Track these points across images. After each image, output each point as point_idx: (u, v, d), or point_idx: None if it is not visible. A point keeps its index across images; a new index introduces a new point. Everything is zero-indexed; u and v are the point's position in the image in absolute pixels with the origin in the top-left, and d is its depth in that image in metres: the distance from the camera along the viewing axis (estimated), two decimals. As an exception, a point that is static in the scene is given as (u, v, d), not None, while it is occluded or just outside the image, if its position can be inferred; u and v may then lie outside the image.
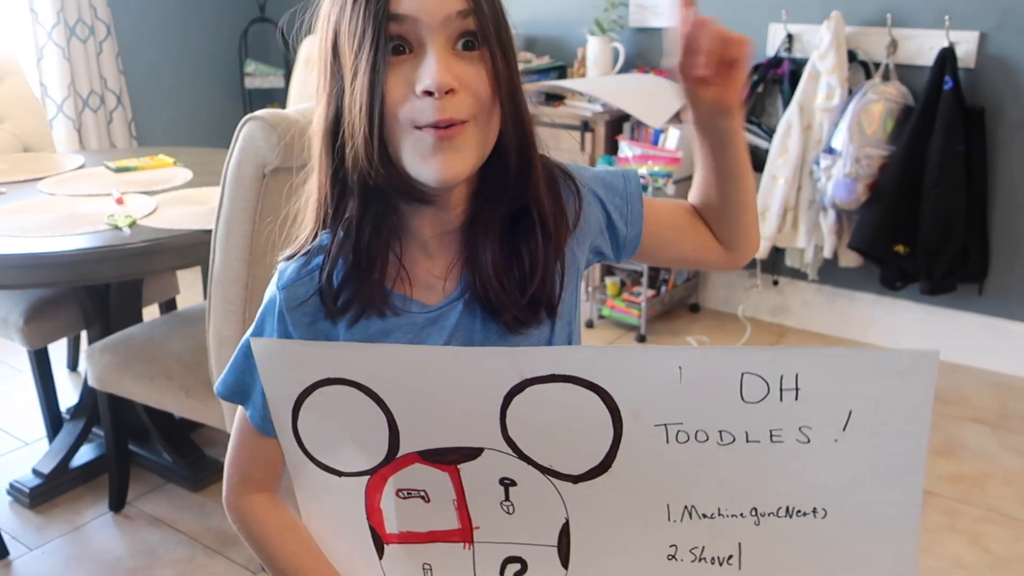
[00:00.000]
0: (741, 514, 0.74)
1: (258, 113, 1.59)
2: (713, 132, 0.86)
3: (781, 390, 0.68)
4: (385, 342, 0.79)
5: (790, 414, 0.69)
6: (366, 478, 0.79)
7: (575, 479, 0.74)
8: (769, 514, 0.73)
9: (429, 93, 0.70)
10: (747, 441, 0.70)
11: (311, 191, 0.82)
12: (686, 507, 0.74)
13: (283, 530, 0.87)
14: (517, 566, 0.80)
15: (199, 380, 1.89)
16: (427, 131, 0.71)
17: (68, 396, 2.65)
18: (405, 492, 0.78)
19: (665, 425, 0.70)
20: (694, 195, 0.95)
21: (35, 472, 2.24)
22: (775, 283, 3.25)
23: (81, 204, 2.07)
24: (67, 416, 2.45)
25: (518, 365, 0.71)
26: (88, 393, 2.29)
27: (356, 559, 0.84)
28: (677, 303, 3.35)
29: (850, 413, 0.69)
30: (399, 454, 0.77)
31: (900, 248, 2.77)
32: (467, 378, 0.73)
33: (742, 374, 0.68)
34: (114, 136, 3.71)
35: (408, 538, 0.81)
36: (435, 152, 0.72)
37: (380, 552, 0.83)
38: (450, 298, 0.81)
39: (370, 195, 0.76)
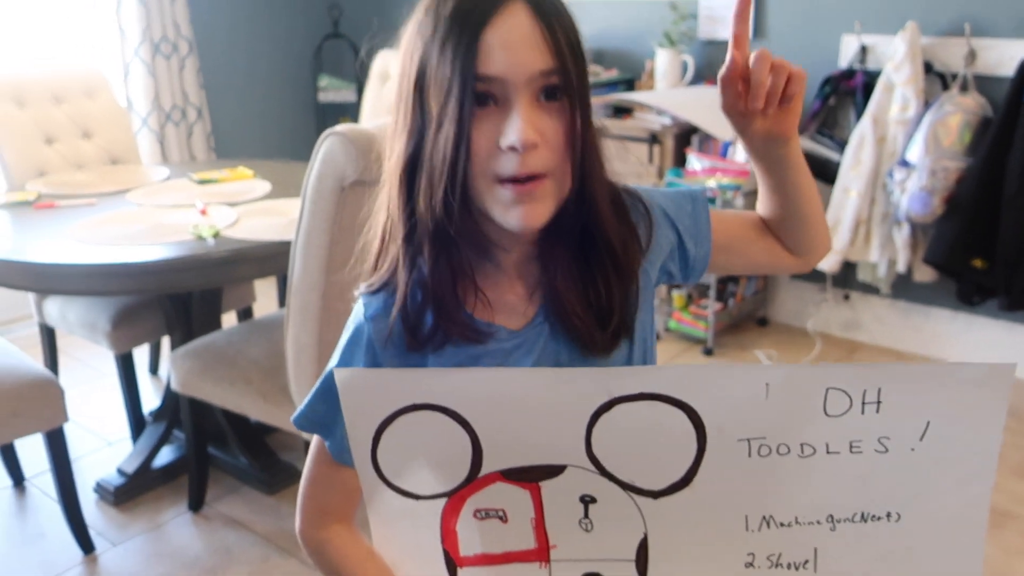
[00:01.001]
0: (818, 521, 0.75)
1: (338, 128, 1.64)
2: (769, 158, 0.88)
3: (863, 403, 0.70)
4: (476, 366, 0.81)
5: (870, 426, 0.71)
6: (444, 500, 0.80)
7: (656, 494, 0.76)
8: (845, 520, 0.75)
9: (514, 148, 0.73)
10: (827, 452, 0.72)
11: (381, 222, 0.83)
12: (764, 517, 0.75)
13: (362, 560, 0.88)
14: None
15: (276, 385, 1.95)
16: (508, 186, 0.74)
17: (149, 399, 2.76)
18: (483, 512, 0.80)
19: (748, 440, 0.72)
20: (760, 208, 0.97)
21: (119, 472, 2.34)
22: (846, 297, 3.20)
23: (167, 215, 2.16)
24: (149, 418, 2.55)
25: (607, 385, 0.73)
26: (170, 396, 2.37)
27: None
28: (745, 316, 3.32)
29: (928, 424, 0.72)
30: (481, 474, 0.78)
31: (978, 262, 2.70)
32: (555, 398, 0.74)
33: (827, 389, 0.70)
34: (194, 148, 3.85)
35: (483, 560, 0.82)
36: (516, 204, 0.75)
37: (453, 573, 0.84)
38: (534, 321, 0.83)
39: (444, 232, 0.78)
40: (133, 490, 2.31)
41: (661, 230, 0.89)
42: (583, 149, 0.77)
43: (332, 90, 4.31)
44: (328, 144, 1.64)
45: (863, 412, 0.70)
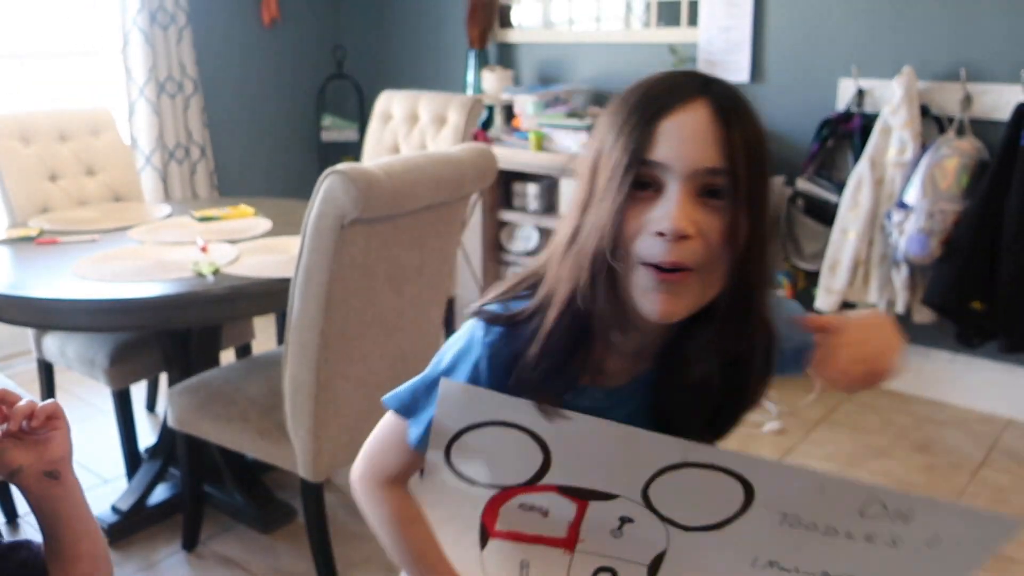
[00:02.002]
0: (813, 573, 0.82)
1: (339, 167, 1.66)
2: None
3: (894, 515, 0.77)
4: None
5: (892, 529, 0.78)
6: (496, 491, 0.87)
7: (687, 528, 0.82)
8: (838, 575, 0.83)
9: (662, 235, 0.74)
10: (847, 537, 0.79)
11: (537, 267, 0.87)
12: (771, 561, 0.82)
13: (411, 521, 0.95)
14: (608, 574, 0.87)
15: (274, 423, 1.94)
16: (651, 271, 0.76)
17: (145, 436, 2.75)
18: (528, 506, 0.86)
19: (785, 514, 0.79)
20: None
21: (114, 509, 2.32)
22: (846, 338, 3.19)
23: (168, 252, 2.17)
24: (145, 455, 2.53)
25: (685, 452, 0.78)
26: (166, 433, 2.36)
27: (459, 544, 0.93)
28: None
29: (938, 537, 0.78)
30: (540, 483, 0.84)
31: (977, 304, 2.70)
32: (633, 451, 0.79)
33: (872, 502, 0.76)
34: (197, 186, 3.88)
35: (513, 536, 0.89)
36: (655, 291, 0.76)
37: (483, 543, 0.91)
38: (634, 382, 0.87)
39: (580, 304, 0.80)
40: (127, 528, 2.29)
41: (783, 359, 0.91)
42: (745, 252, 0.76)
43: (335, 129, 4.36)
44: (329, 182, 1.66)
45: (892, 521, 0.77)
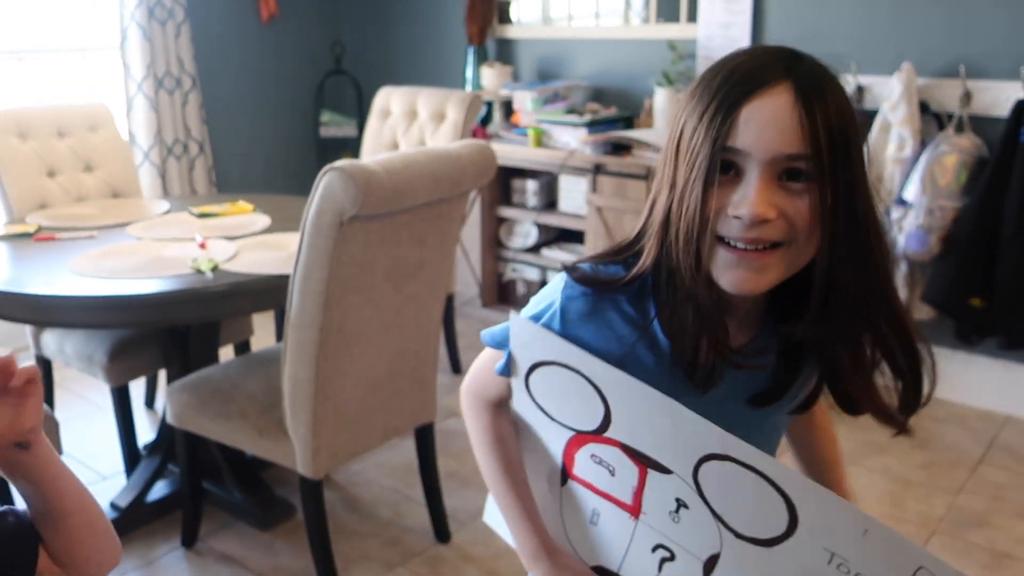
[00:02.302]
0: None
1: (338, 164, 1.65)
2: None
3: None
4: (638, 367, 0.85)
5: None
6: (571, 433, 0.90)
7: (739, 536, 0.80)
8: None
9: (739, 219, 0.77)
10: None
11: (631, 238, 0.90)
12: None
13: (501, 439, 1.02)
14: (667, 553, 0.87)
15: (273, 420, 1.94)
16: (729, 249, 0.79)
17: (144, 432, 2.74)
18: (598, 459, 0.89)
19: (832, 553, 0.75)
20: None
21: (112, 506, 2.32)
22: (845, 335, 3.19)
23: (167, 248, 2.17)
24: (144, 452, 2.53)
25: (726, 445, 0.77)
26: (165, 430, 2.36)
27: (541, 474, 0.98)
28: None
29: None
30: (605, 434, 0.86)
31: (976, 301, 2.70)
32: (678, 427, 0.80)
33: (917, 569, 0.72)
34: (195, 182, 3.87)
35: (589, 486, 0.92)
36: (735, 267, 0.79)
37: (564, 480, 0.95)
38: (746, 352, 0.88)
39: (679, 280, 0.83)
40: (126, 525, 2.29)
41: None
42: (836, 229, 0.78)
43: (334, 125, 4.35)
44: (328, 179, 1.65)
45: None
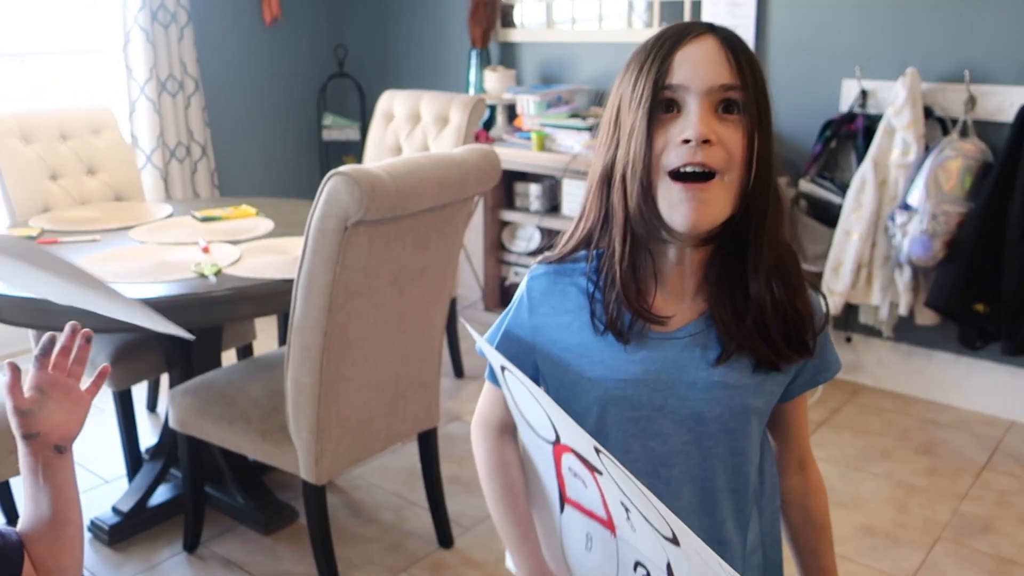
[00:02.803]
0: None
1: (342, 169, 1.65)
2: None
3: None
4: (607, 352, 0.92)
5: None
6: (551, 446, 0.90)
7: (663, 537, 0.79)
8: None
9: (687, 141, 0.84)
10: None
11: (579, 215, 0.97)
12: None
13: (502, 465, 1.04)
14: (644, 571, 0.87)
15: (275, 425, 1.93)
16: (678, 184, 0.85)
17: (146, 436, 2.74)
18: (573, 472, 0.89)
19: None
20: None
21: (114, 510, 2.31)
22: (848, 340, 3.19)
23: (170, 252, 2.16)
24: (146, 456, 2.53)
25: (590, 441, 0.79)
26: (167, 434, 2.36)
27: (545, 506, 0.98)
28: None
29: None
30: (561, 442, 0.87)
31: (980, 307, 2.70)
32: (571, 424, 0.81)
33: None
34: (198, 185, 3.87)
35: (579, 507, 0.92)
36: (685, 202, 0.84)
37: (561, 507, 0.94)
38: (678, 333, 0.92)
39: (632, 237, 0.89)
40: (128, 529, 2.29)
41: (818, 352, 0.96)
42: (758, 164, 0.86)
43: (336, 128, 4.35)
44: (332, 184, 1.65)
45: None
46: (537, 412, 0.87)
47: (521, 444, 1.00)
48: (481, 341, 0.91)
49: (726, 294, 0.91)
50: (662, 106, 0.85)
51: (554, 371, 0.97)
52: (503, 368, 0.87)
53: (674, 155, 0.84)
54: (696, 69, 0.85)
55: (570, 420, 0.80)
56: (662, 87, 0.85)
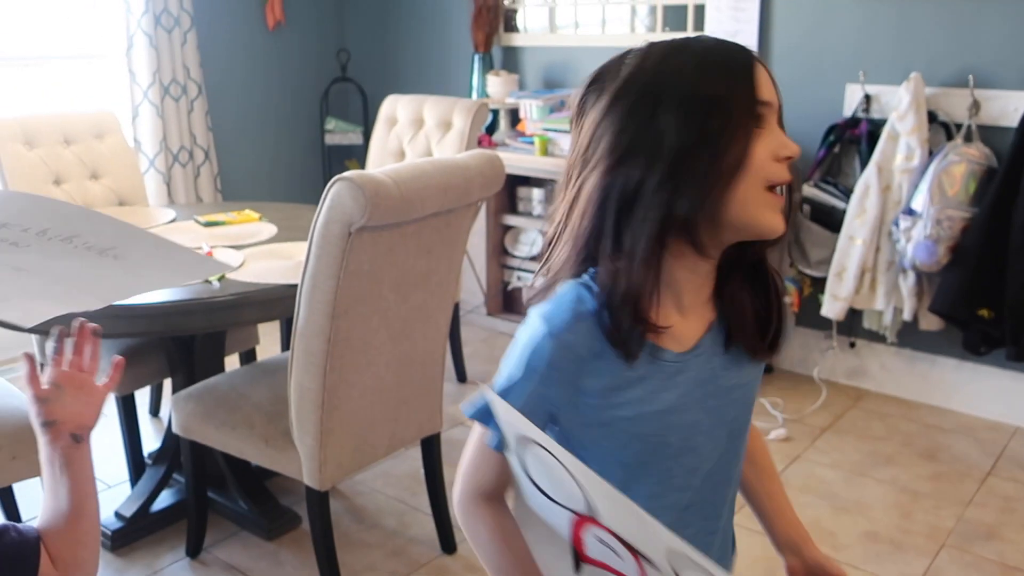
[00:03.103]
0: None
1: (347, 174, 1.65)
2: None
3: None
4: (637, 388, 0.89)
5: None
6: (573, 515, 0.84)
7: None
8: None
9: (790, 158, 0.87)
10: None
11: (570, 239, 0.91)
12: None
13: (511, 535, 0.97)
14: None
15: (279, 430, 1.93)
16: (770, 194, 0.87)
17: (149, 441, 2.74)
18: (604, 543, 0.84)
19: None
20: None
21: (117, 515, 2.31)
22: (852, 345, 3.18)
23: (173, 257, 2.16)
24: (149, 461, 2.52)
25: (675, 543, 0.74)
26: (170, 439, 2.35)
27: (556, 568, 0.92)
28: (750, 363, 3.30)
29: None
30: (598, 519, 0.81)
31: (984, 312, 2.69)
32: (643, 521, 0.76)
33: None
34: (200, 190, 3.87)
35: (603, 566, 0.87)
36: (778, 211, 0.88)
37: (577, 567, 0.89)
38: (696, 349, 0.92)
39: (650, 255, 0.86)
40: (131, 534, 2.28)
41: None
42: None
43: (339, 133, 4.35)
44: (336, 189, 1.65)
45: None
46: (568, 486, 0.81)
47: (514, 500, 0.92)
48: (506, 409, 0.82)
49: (736, 296, 0.94)
50: (755, 120, 0.86)
51: (577, 419, 0.93)
52: (526, 440, 0.81)
53: (777, 169, 0.87)
54: (770, 88, 0.88)
55: (643, 514, 0.75)
56: (756, 101, 0.86)
